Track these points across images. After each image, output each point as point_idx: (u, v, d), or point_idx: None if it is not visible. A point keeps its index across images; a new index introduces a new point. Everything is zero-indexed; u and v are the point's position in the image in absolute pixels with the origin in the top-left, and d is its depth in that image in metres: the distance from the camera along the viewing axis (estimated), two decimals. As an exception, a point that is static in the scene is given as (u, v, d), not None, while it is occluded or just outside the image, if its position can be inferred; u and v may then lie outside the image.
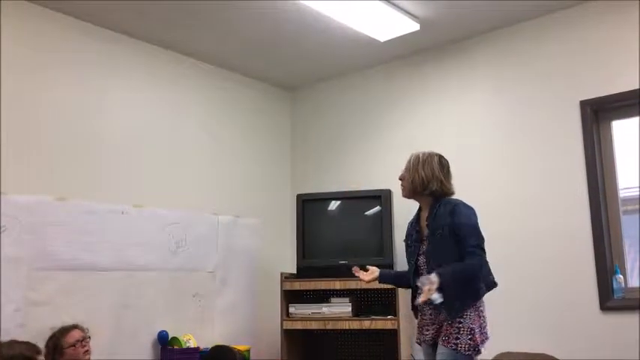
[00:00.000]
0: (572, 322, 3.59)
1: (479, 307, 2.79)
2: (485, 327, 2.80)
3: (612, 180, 3.68)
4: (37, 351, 2.96)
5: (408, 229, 3.07)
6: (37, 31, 3.69)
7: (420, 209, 3.03)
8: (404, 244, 3.11)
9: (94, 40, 3.97)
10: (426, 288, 2.59)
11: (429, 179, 2.88)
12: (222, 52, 4.50)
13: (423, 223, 2.94)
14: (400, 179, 3.02)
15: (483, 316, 2.81)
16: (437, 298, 2.60)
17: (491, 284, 2.87)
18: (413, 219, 3.06)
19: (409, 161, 2.98)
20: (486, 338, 2.80)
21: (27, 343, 2.99)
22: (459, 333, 2.72)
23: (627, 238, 3.63)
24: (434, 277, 2.61)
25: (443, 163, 2.96)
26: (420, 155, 2.96)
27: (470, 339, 2.70)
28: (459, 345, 2.70)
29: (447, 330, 2.75)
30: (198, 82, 4.61)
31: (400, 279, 3.18)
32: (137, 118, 4.15)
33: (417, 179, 2.90)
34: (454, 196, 2.95)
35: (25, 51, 3.63)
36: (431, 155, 2.96)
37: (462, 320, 2.73)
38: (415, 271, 2.93)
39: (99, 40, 4.00)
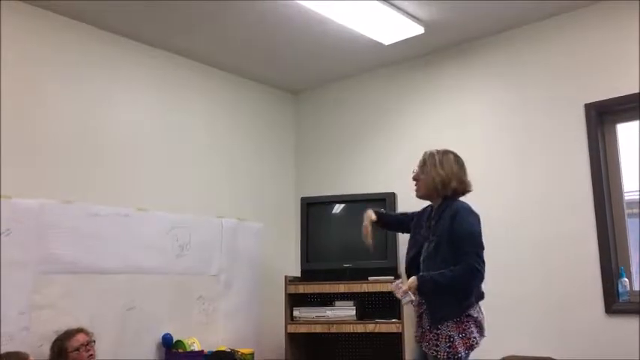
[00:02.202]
0: (577, 326, 3.57)
1: (462, 316, 2.71)
2: (471, 333, 2.69)
3: (617, 183, 3.67)
4: (22, 358, 2.96)
5: (420, 218, 2.99)
6: (40, 34, 3.70)
7: (432, 207, 2.97)
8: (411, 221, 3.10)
9: (99, 44, 3.98)
10: (400, 288, 2.70)
11: (449, 178, 2.83)
12: (226, 55, 4.50)
13: (432, 222, 2.89)
14: (415, 179, 2.95)
15: (466, 321, 2.70)
16: (406, 299, 2.69)
17: (481, 296, 2.80)
18: (428, 212, 2.97)
19: (424, 160, 2.91)
20: (475, 343, 2.70)
21: (10, 354, 3.01)
22: (437, 340, 2.70)
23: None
24: (412, 280, 2.70)
25: (459, 161, 2.91)
26: (436, 154, 2.90)
27: (449, 347, 2.66)
28: (439, 353, 2.68)
29: (427, 336, 2.75)
30: (202, 85, 4.62)
31: (390, 222, 3.28)
32: (141, 122, 4.16)
33: (437, 179, 2.84)
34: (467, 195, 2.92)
35: (30, 54, 3.64)
36: (446, 153, 2.90)
37: (440, 327, 2.70)
38: (417, 265, 2.89)
39: (104, 43, 4.01)
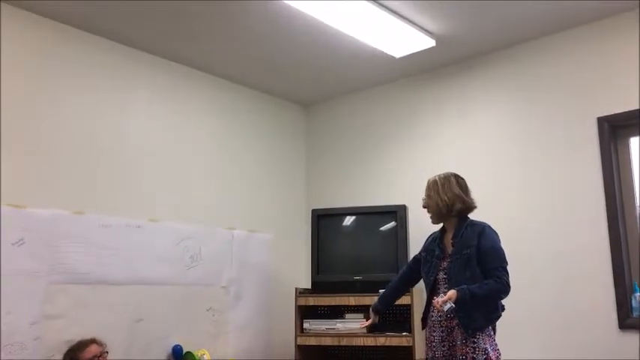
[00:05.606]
0: (590, 341, 3.54)
1: (489, 328, 2.91)
2: (497, 345, 2.90)
3: (630, 197, 3.65)
4: None
5: (430, 244, 3.15)
6: (56, 46, 3.74)
7: (443, 229, 3.11)
8: (420, 256, 3.22)
9: (113, 55, 4.02)
10: (440, 299, 2.75)
11: (452, 201, 2.99)
12: (238, 67, 4.53)
13: (448, 242, 3.03)
14: (424, 207, 3.11)
15: (493, 334, 2.91)
16: (448, 307, 2.72)
17: (503, 309, 2.97)
18: (436, 235, 3.14)
19: (428, 188, 3.09)
20: (500, 354, 2.88)
21: None
22: (474, 353, 2.80)
23: None
24: (452, 291, 2.76)
25: (460, 182, 3.07)
26: (438, 180, 3.07)
27: (485, 358, 2.78)
28: None
29: (463, 350, 2.83)
30: (214, 97, 4.64)
31: (392, 298, 3.37)
32: (153, 133, 4.19)
33: (441, 204, 3.00)
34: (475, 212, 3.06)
35: (43, 66, 3.67)
36: (447, 177, 3.06)
37: (475, 340, 2.81)
38: (433, 286, 3.02)
39: (117, 55, 4.04)
